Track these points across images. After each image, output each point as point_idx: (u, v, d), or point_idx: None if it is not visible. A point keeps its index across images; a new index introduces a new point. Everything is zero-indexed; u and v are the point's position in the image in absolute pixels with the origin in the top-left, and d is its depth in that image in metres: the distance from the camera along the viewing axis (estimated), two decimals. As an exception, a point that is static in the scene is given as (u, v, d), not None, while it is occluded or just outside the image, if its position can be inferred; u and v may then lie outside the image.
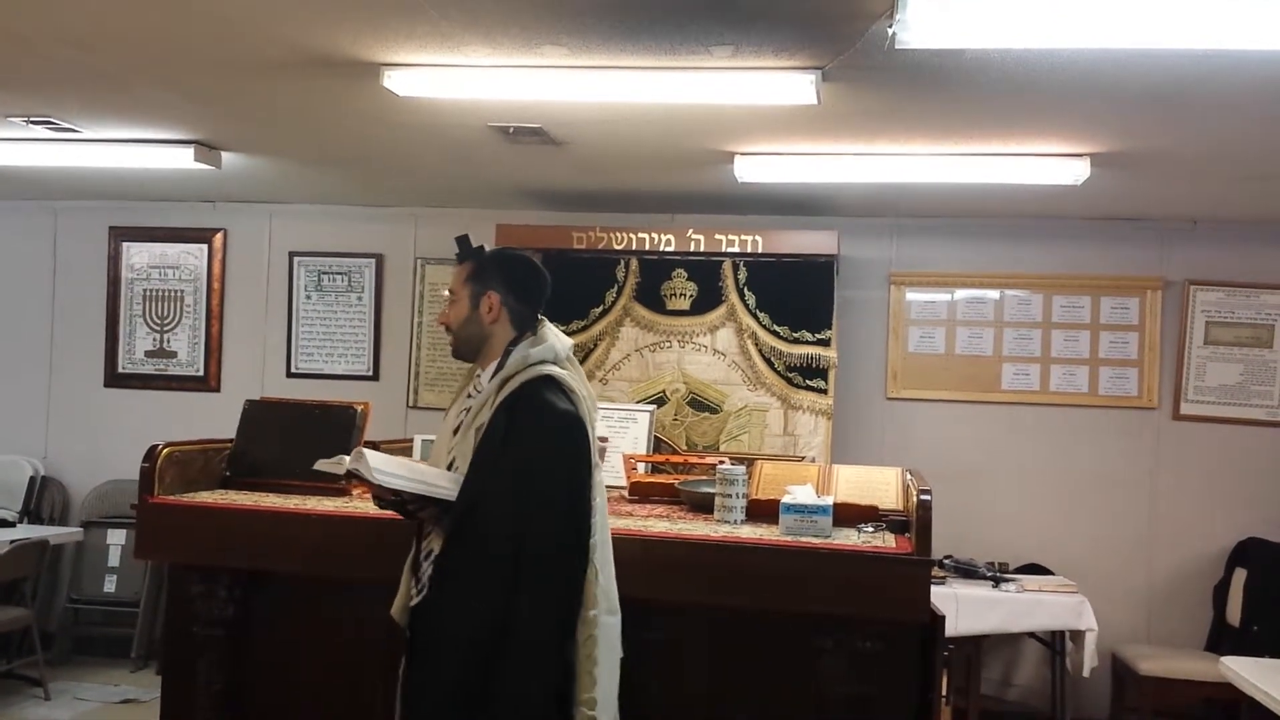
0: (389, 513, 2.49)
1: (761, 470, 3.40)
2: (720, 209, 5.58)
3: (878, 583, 2.59)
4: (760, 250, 5.18)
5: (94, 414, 6.37)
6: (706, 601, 2.70)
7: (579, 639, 2.31)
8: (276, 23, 3.16)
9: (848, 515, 2.94)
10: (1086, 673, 4.75)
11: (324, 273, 6.22)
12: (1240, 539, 5.33)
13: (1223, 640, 5.21)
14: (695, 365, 5.27)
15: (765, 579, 2.64)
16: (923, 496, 2.64)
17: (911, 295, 5.70)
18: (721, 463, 3.23)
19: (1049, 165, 4.32)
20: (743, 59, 3.28)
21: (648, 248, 5.27)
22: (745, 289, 5.23)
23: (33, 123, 4.44)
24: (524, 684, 2.24)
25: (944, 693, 3.04)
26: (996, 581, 4.86)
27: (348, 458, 2.37)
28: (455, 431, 2.48)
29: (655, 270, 5.32)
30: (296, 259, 6.24)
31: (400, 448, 3.55)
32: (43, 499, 6.18)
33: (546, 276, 2.58)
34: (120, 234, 6.39)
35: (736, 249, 5.19)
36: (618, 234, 5.28)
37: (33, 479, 6.12)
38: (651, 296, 5.32)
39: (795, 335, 5.18)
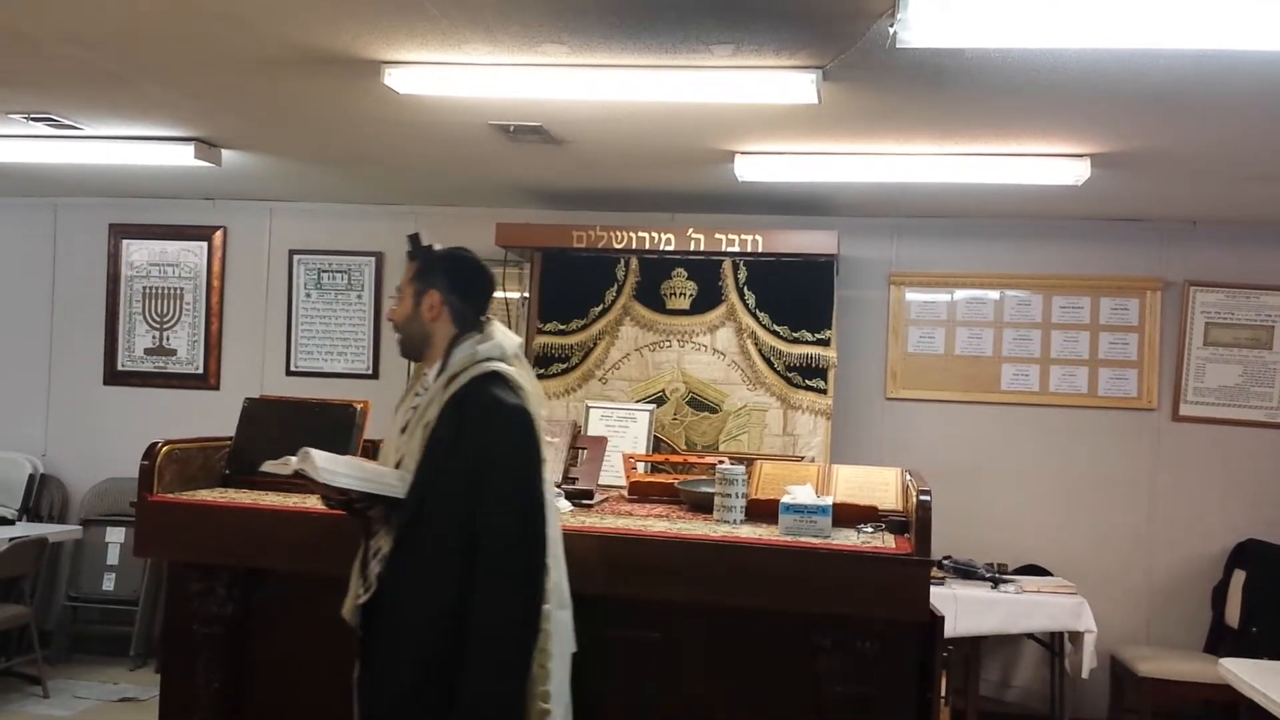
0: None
1: (761, 470, 3.40)
2: (720, 208, 5.58)
3: (877, 583, 2.59)
4: (760, 250, 5.16)
5: (93, 411, 6.36)
6: (706, 601, 2.70)
7: None
8: (277, 20, 3.15)
9: (847, 515, 2.94)
10: (1085, 674, 4.76)
11: (324, 271, 6.22)
12: (1239, 540, 5.32)
13: (1222, 642, 5.21)
14: (695, 365, 5.26)
15: (764, 579, 2.64)
16: (922, 497, 2.64)
17: (911, 295, 5.69)
18: (721, 462, 3.22)
19: (1049, 165, 4.32)
20: (743, 58, 3.27)
21: (648, 247, 5.25)
22: (745, 288, 5.22)
23: (33, 119, 4.44)
24: (498, 683, 2.25)
25: (943, 693, 3.03)
26: (995, 582, 4.86)
27: (294, 458, 2.36)
28: (403, 430, 2.48)
29: (655, 269, 5.31)
30: (296, 257, 6.23)
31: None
32: (42, 496, 6.18)
33: (491, 276, 2.60)
34: (120, 231, 6.39)
35: (736, 248, 5.18)
36: (618, 233, 5.26)
37: (32, 476, 6.11)
38: (651, 296, 5.32)
39: (795, 335, 5.17)
